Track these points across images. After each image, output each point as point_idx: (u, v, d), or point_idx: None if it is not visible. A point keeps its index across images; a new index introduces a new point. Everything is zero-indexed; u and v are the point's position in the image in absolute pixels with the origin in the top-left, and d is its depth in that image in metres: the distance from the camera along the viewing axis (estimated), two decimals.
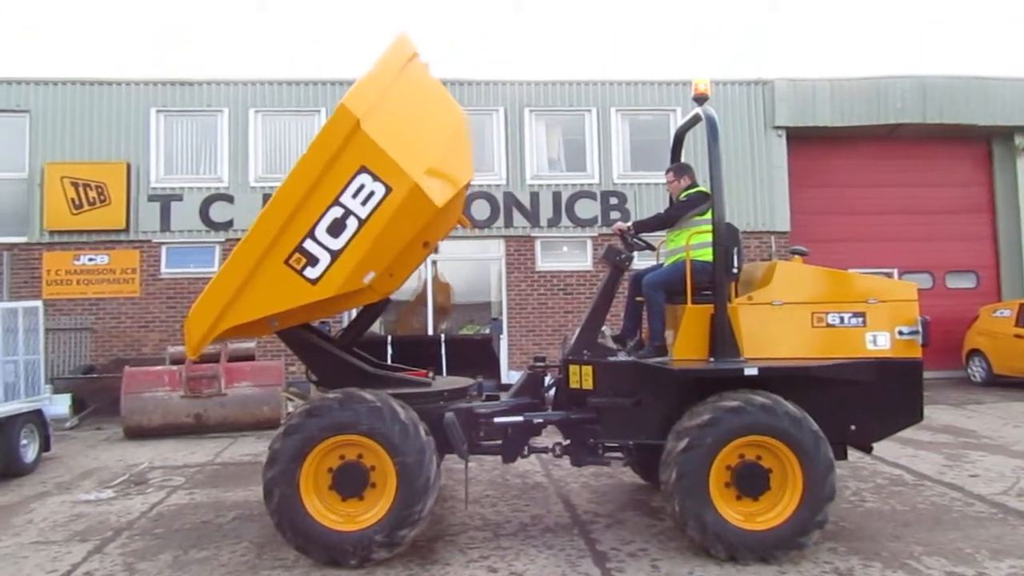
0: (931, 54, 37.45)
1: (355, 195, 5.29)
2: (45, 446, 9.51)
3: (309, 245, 5.36)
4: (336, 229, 5.32)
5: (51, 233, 14.94)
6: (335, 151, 5.29)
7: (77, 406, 12.82)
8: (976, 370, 15.70)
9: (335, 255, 5.35)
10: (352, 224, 5.31)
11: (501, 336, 15.45)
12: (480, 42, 35.40)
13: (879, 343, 5.75)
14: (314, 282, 5.38)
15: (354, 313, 7.23)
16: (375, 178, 5.26)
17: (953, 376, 16.02)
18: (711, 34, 36.49)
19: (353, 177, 5.28)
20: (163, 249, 15.23)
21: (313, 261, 5.36)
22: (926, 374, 5.90)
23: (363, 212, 5.29)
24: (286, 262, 5.38)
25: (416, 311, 15.99)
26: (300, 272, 5.37)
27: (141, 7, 34.17)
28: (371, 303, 6.39)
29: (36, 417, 9.35)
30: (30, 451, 9.15)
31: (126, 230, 15.09)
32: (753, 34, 36.39)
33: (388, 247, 5.41)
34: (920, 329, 5.76)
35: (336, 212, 5.31)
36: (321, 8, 36.14)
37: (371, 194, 5.27)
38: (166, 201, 15.22)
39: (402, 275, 6.10)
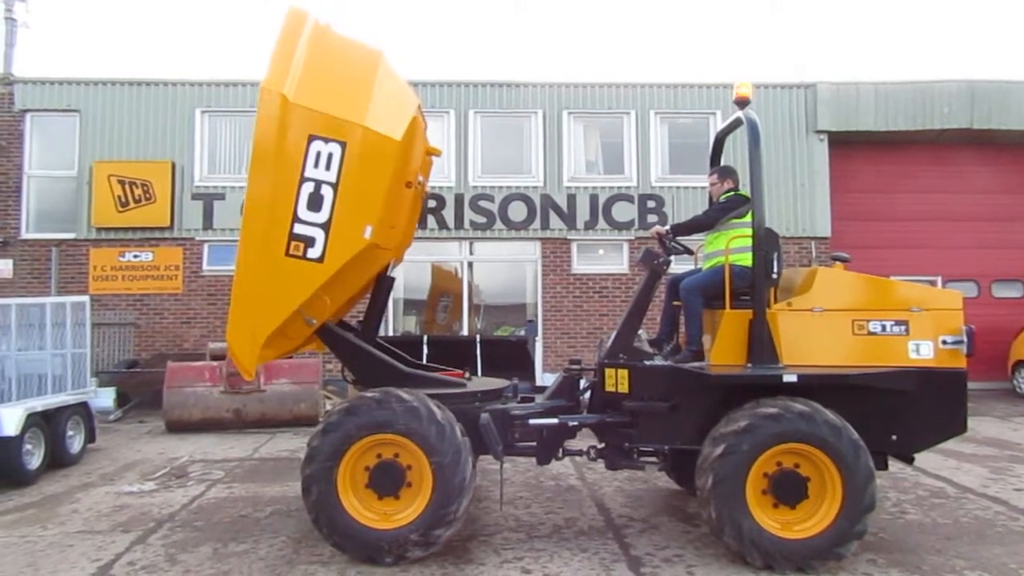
0: (980, 58, 36.62)
1: (316, 164, 5.39)
2: (90, 438, 9.76)
3: (300, 229, 5.44)
4: (316, 203, 5.41)
5: (98, 230, 15.30)
6: (277, 134, 5.39)
7: (121, 399, 13.10)
8: (1022, 382, 15.31)
9: (327, 227, 5.42)
10: (328, 192, 5.40)
11: (536, 338, 15.46)
12: (480, 43, 35.44)
13: (922, 352, 5.65)
14: (321, 259, 5.45)
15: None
16: (326, 140, 5.37)
17: (998, 388, 15.61)
18: (710, 33, 36.13)
19: (307, 149, 5.39)
20: (205, 247, 15.51)
21: (310, 242, 5.44)
22: (970, 385, 5.79)
23: (332, 176, 5.39)
24: (287, 254, 5.45)
25: (443, 310, 16.10)
26: (304, 257, 5.45)
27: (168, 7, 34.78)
28: (377, 290, 6.44)
29: (82, 409, 9.60)
30: (76, 442, 9.40)
31: (170, 228, 15.39)
32: (749, 34, 35.90)
33: (372, 197, 5.45)
34: (965, 339, 5.65)
35: (308, 188, 5.40)
36: (314, 7, 36.23)
37: (331, 156, 5.37)
38: (209, 200, 15.49)
39: (401, 224, 6.09)
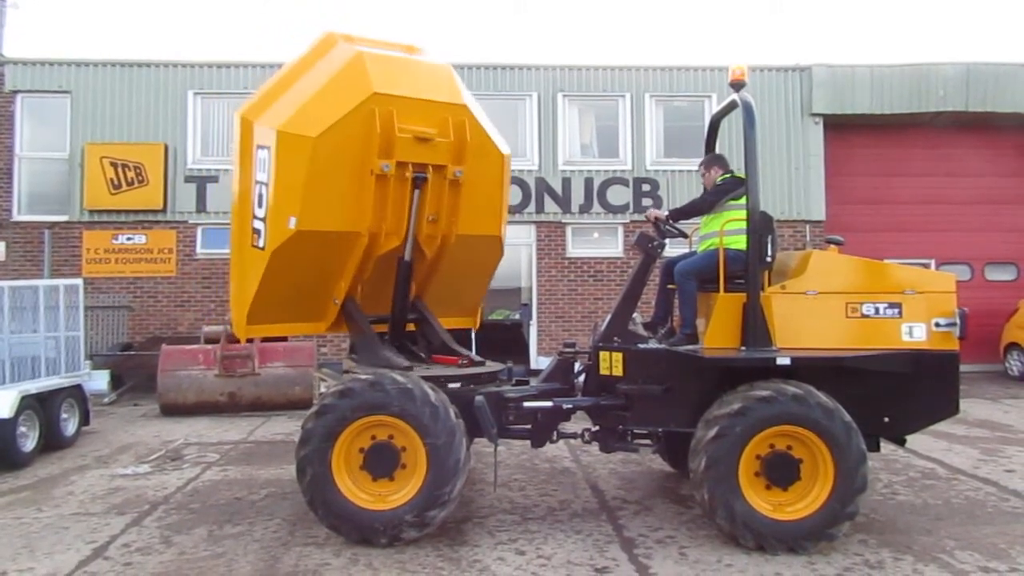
0: (976, 41, 36.51)
1: (260, 169, 6.16)
2: (85, 420, 9.74)
3: (256, 224, 6.21)
4: (261, 201, 6.18)
5: (91, 212, 15.22)
6: (242, 149, 6.34)
7: (115, 382, 13.09)
8: (1014, 364, 15.39)
9: (264, 220, 6.11)
10: (264, 191, 6.12)
11: (531, 322, 15.46)
12: (480, 42, 35.25)
13: (915, 335, 5.67)
14: (262, 248, 6.10)
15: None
16: (261, 148, 6.13)
17: (990, 370, 15.70)
18: (706, 19, 35.99)
19: (255, 158, 6.19)
20: (199, 230, 15.44)
21: (259, 234, 6.17)
22: (962, 367, 5.81)
23: (265, 176, 6.11)
24: (252, 245, 6.22)
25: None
26: (256, 246, 6.18)
27: None
28: (397, 274, 6.54)
29: (76, 392, 9.58)
30: (70, 425, 9.38)
31: (163, 210, 15.31)
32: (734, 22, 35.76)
33: (290, 191, 5.95)
34: (958, 321, 5.66)
35: (257, 190, 6.18)
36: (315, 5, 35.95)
37: (264, 161, 6.11)
38: (202, 182, 15.41)
39: (366, 208, 6.14)
